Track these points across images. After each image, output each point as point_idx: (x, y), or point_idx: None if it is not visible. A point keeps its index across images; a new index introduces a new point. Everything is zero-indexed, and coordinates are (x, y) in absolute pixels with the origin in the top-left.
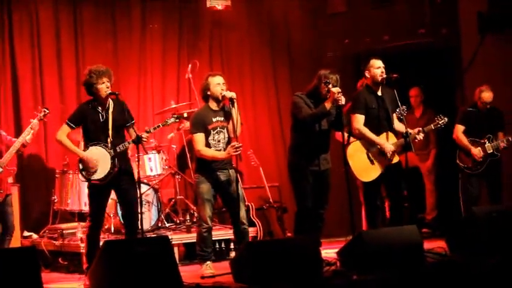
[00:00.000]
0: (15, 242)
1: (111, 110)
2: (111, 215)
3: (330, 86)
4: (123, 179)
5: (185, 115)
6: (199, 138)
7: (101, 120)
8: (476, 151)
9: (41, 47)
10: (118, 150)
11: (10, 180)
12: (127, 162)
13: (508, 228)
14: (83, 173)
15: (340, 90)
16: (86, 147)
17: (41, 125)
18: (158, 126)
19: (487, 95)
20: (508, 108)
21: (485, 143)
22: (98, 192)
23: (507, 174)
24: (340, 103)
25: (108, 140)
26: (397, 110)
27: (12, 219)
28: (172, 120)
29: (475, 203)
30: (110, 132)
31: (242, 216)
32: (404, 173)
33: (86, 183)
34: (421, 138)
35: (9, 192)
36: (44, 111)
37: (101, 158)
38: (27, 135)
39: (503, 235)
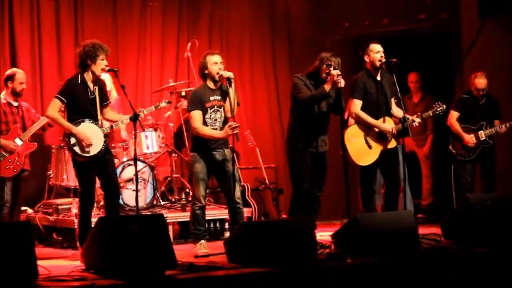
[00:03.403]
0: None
1: (97, 87)
2: None
3: (331, 68)
4: (106, 155)
5: (183, 94)
6: (196, 115)
7: (90, 96)
8: (469, 138)
9: (41, 24)
10: (114, 128)
11: None
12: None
13: (501, 217)
14: (75, 148)
15: (340, 73)
16: (76, 123)
17: (38, 100)
18: (150, 109)
19: (480, 82)
20: (506, 95)
21: (478, 130)
22: (85, 168)
23: (502, 163)
24: (339, 85)
25: (99, 117)
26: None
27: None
28: (163, 104)
29: (469, 190)
30: (98, 109)
31: (237, 196)
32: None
33: (71, 162)
34: (417, 124)
35: (27, 168)
36: None
37: (94, 135)
38: None
39: (496, 223)
